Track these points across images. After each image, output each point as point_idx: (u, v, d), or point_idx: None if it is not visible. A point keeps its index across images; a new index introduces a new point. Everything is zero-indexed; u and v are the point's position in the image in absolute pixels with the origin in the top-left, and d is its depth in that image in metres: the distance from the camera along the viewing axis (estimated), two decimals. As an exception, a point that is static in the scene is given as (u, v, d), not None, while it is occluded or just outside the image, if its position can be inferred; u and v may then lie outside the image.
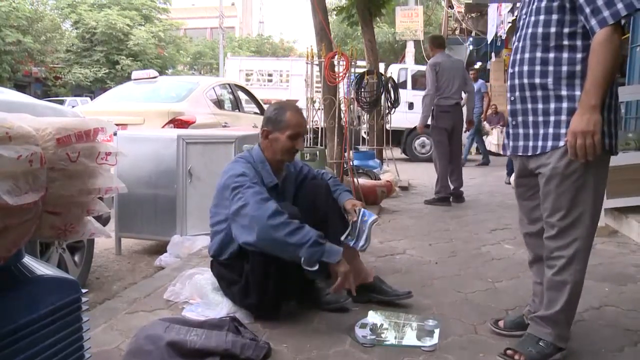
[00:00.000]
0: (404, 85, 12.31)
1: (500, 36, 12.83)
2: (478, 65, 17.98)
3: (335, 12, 10.51)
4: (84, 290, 1.39)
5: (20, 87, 23.10)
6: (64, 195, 1.27)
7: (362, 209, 2.59)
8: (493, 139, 12.85)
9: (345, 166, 5.51)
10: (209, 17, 41.41)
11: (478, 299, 2.71)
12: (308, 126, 5.57)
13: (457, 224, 4.74)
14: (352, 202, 2.62)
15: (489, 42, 14.57)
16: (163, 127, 5.68)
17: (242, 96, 8.05)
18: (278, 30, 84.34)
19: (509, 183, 7.18)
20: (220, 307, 2.42)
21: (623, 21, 1.77)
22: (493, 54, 15.60)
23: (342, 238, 2.51)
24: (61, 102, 18.19)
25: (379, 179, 6.04)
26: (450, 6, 17.51)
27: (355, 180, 5.23)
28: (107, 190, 1.41)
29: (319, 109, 5.77)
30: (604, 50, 1.76)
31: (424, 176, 8.27)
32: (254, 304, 2.37)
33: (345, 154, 5.52)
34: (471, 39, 17.75)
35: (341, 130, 5.58)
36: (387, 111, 7.79)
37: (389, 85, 7.54)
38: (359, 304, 2.55)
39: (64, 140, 1.24)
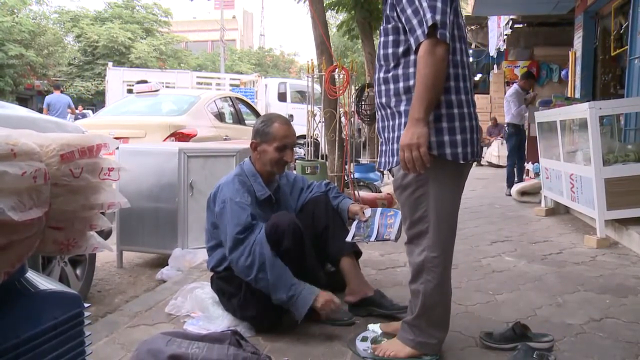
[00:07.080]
0: (283, 98, 12.83)
1: (499, 48, 12.90)
2: (478, 77, 18.03)
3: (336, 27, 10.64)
4: (86, 305, 1.40)
5: (22, 101, 23.25)
6: (67, 210, 1.29)
7: (379, 208, 2.73)
8: (493, 150, 12.90)
9: (346, 179, 5.52)
10: (210, 30, 41.73)
11: (479, 311, 2.71)
12: (308, 140, 5.60)
13: (458, 236, 4.64)
14: (359, 205, 2.76)
15: (491, 54, 14.64)
16: (164, 140, 5.71)
17: (244, 109, 8.10)
18: (279, 43, 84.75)
19: (510, 195, 7.20)
20: (221, 320, 2.43)
21: (448, 35, 1.76)
22: (495, 66, 15.66)
23: (349, 239, 2.59)
24: (63, 115, 18.21)
25: (380, 192, 6.05)
26: (450, 19, 17.55)
27: (356, 192, 5.24)
28: (110, 205, 1.42)
29: (320, 122, 5.80)
30: (423, 64, 1.77)
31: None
32: (255, 317, 2.38)
33: (346, 167, 5.54)
34: (471, 51, 17.81)
35: (342, 143, 5.60)
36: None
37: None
38: (359, 318, 2.56)
39: (68, 157, 1.26)
